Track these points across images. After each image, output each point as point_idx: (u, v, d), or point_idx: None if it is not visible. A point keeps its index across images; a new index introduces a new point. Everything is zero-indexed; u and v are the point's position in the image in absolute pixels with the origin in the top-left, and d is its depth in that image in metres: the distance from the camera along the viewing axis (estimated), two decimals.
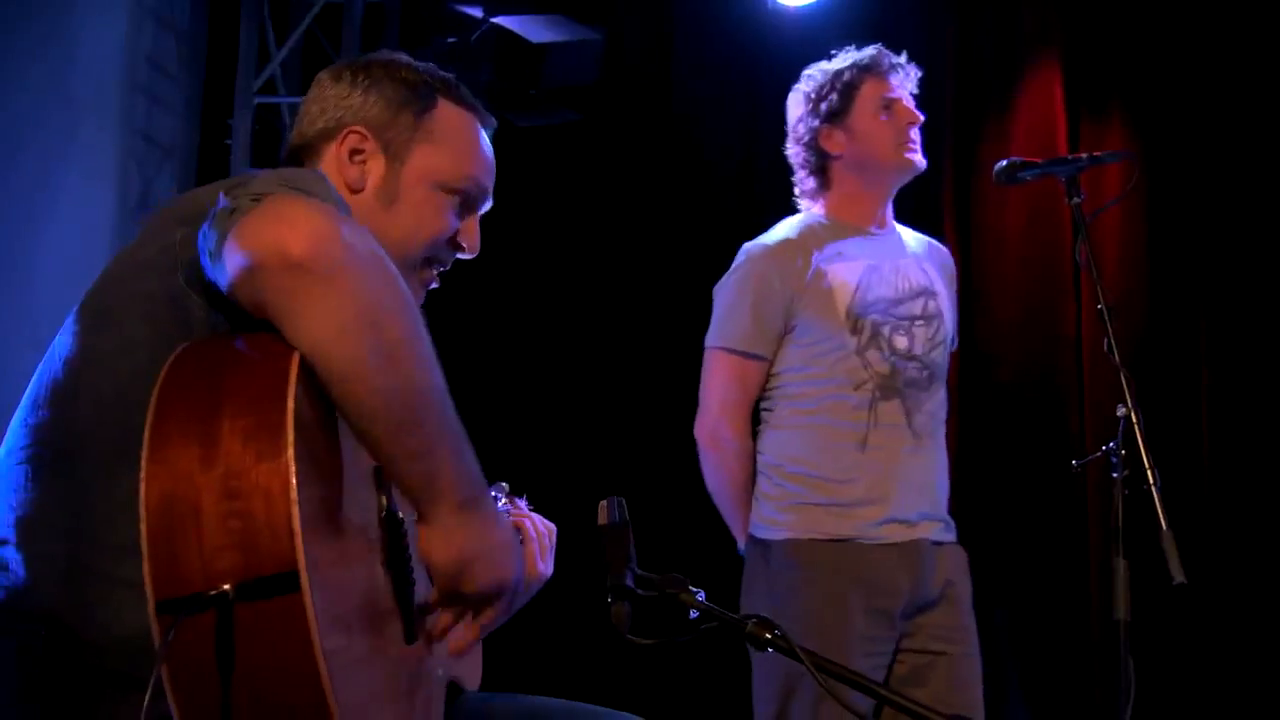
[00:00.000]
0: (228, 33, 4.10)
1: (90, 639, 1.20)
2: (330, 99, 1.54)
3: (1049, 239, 3.80)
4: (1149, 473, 2.12)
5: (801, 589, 2.50)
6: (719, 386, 2.63)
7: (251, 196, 1.21)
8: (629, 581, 1.38)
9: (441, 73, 1.60)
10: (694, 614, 1.37)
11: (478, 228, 1.59)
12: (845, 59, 2.71)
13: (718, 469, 2.65)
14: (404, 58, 1.59)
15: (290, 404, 1.13)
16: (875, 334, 2.57)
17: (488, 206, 1.61)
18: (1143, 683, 2.05)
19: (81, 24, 3.65)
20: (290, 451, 1.10)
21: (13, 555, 1.27)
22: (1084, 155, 2.47)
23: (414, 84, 1.55)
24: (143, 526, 1.09)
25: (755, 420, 2.68)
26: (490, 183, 1.60)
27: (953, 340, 2.74)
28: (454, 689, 1.54)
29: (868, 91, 2.66)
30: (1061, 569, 3.68)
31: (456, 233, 1.56)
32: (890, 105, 2.66)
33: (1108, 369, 2.23)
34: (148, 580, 1.08)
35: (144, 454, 1.11)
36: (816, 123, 2.69)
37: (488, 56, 3.79)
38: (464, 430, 1.29)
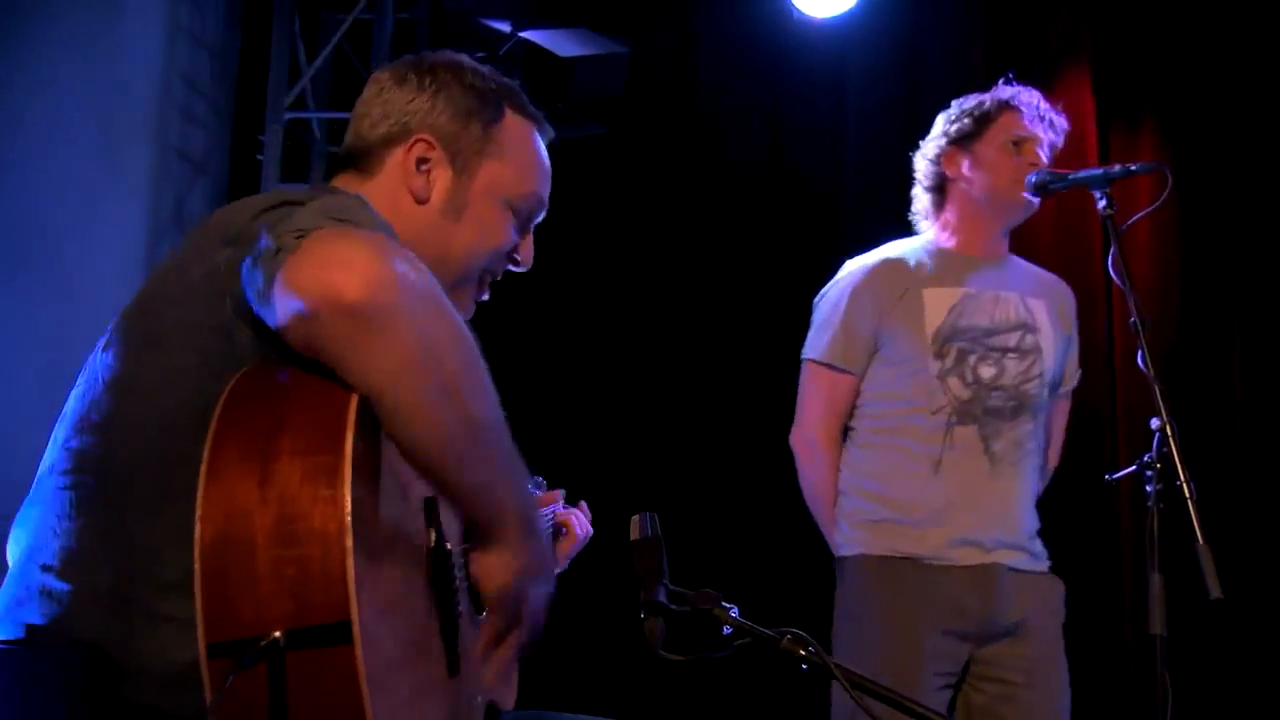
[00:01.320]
0: (259, 49, 4.14)
1: (131, 672, 1.20)
2: (394, 102, 1.50)
3: (1080, 250, 3.77)
4: (1185, 485, 2.10)
5: (871, 606, 2.54)
6: (811, 398, 2.69)
7: (296, 234, 1.18)
8: (662, 597, 1.37)
9: (505, 80, 1.56)
10: (727, 630, 1.37)
11: (532, 241, 1.58)
12: (992, 91, 2.72)
13: (811, 478, 2.69)
14: (469, 61, 1.55)
15: (349, 446, 1.11)
16: (960, 360, 2.58)
17: (542, 216, 1.60)
18: (1179, 698, 2.03)
19: (118, 42, 3.69)
20: (348, 496, 1.09)
21: (57, 584, 1.26)
22: (1116, 167, 2.46)
23: (482, 92, 1.51)
24: (196, 565, 1.08)
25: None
26: (548, 194, 1.58)
27: (1056, 376, 2.69)
28: (491, 711, 1.54)
29: (1002, 124, 2.66)
30: (1096, 583, 3.64)
31: (514, 246, 1.55)
32: (1020, 144, 2.65)
33: (1140, 381, 2.22)
34: (200, 620, 1.07)
35: (200, 489, 1.10)
36: (944, 143, 2.70)
37: (515, 71, 3.81)
38: (518, 457, 1.30)
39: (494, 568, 1.30)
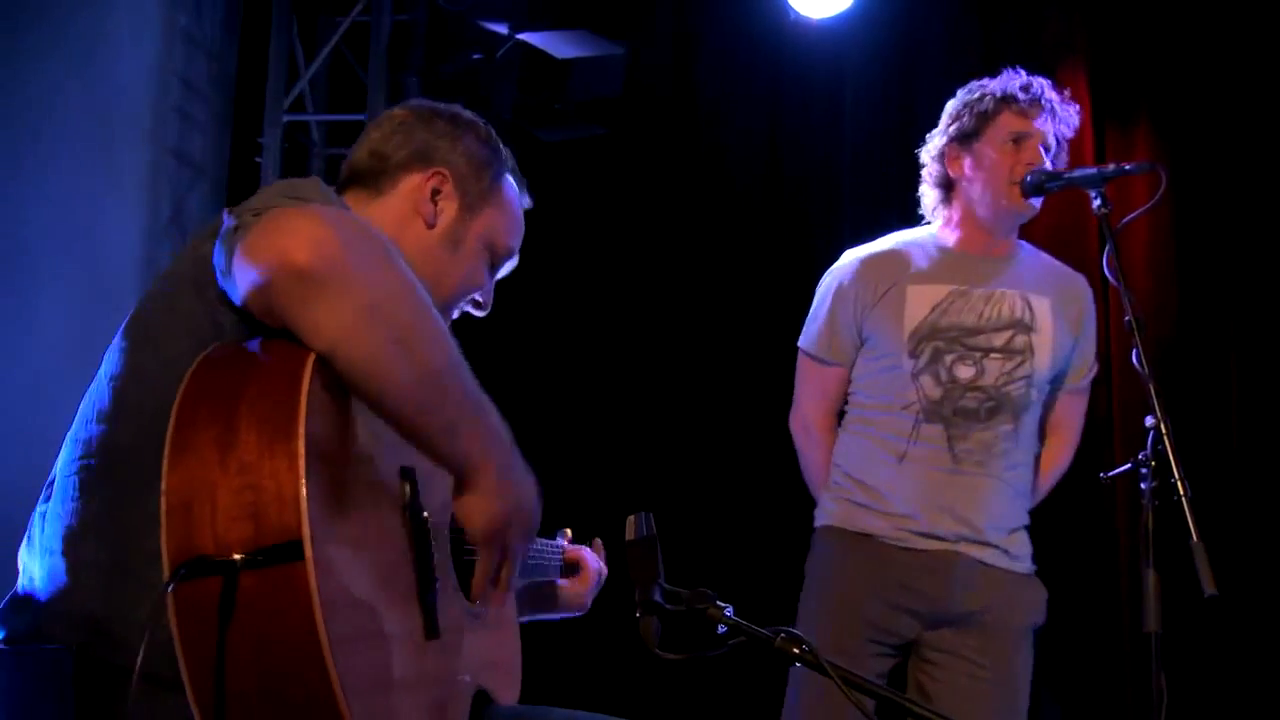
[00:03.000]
0: (257, 52, 4.15)
1: (125, 639, 1.24)
2: (419, 134, 1.63)
3: (1076, 249, 3.77)
4: (1179, 484, 2.11)
5: (823, 573, 2.65)
6: (804, 385, 2.79)
7: (253, 212, 1.28)
8: (657, 596, 1.39)
9: (504, 146, 1.72)
10: (722, 629, 1.38)
11: (493, 289, 1.73)
12: (997, 82, 2.66)
13: (806, 459, 2.80)
14: (481, 120, 1.70)
15: (304, 392, 1.17)
16: (935, 359, 2.59)
17: (507, 272, 1.74)
18: (1174, 694, 2.04)
19: (116, 45, 3.70)
20: (301, 431, 1.14)
21: (59, 564, 1.33)
22: (1110, 166, 2.47)
23: (495, 149, 1.68)
24: (162, 501, 1.14)
25: None
26: (518, 252, 1.74)
27: (1058, 372, 2.67)
28: (483, 699, 1.55)
29: (1003, 121, 2.62)
30: (1093, 580, 3.66)
31: (478, 289, 1.69)
32: (1020, 141, 2.61)
33: (1137, 379, 2.22)
34: (164, 551, 1.13)
35: (168, 438, 1.16)
36: (945, 141, 2.68)
37: (513, 72, 3.82)
38: (486, 396, 1.35)
39: (473, 508, 1.33)
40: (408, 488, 1.36)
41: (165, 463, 1.15)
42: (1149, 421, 2.17)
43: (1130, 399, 3.58)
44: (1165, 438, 2.15)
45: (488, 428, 1.34)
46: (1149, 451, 2.15)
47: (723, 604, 1.39)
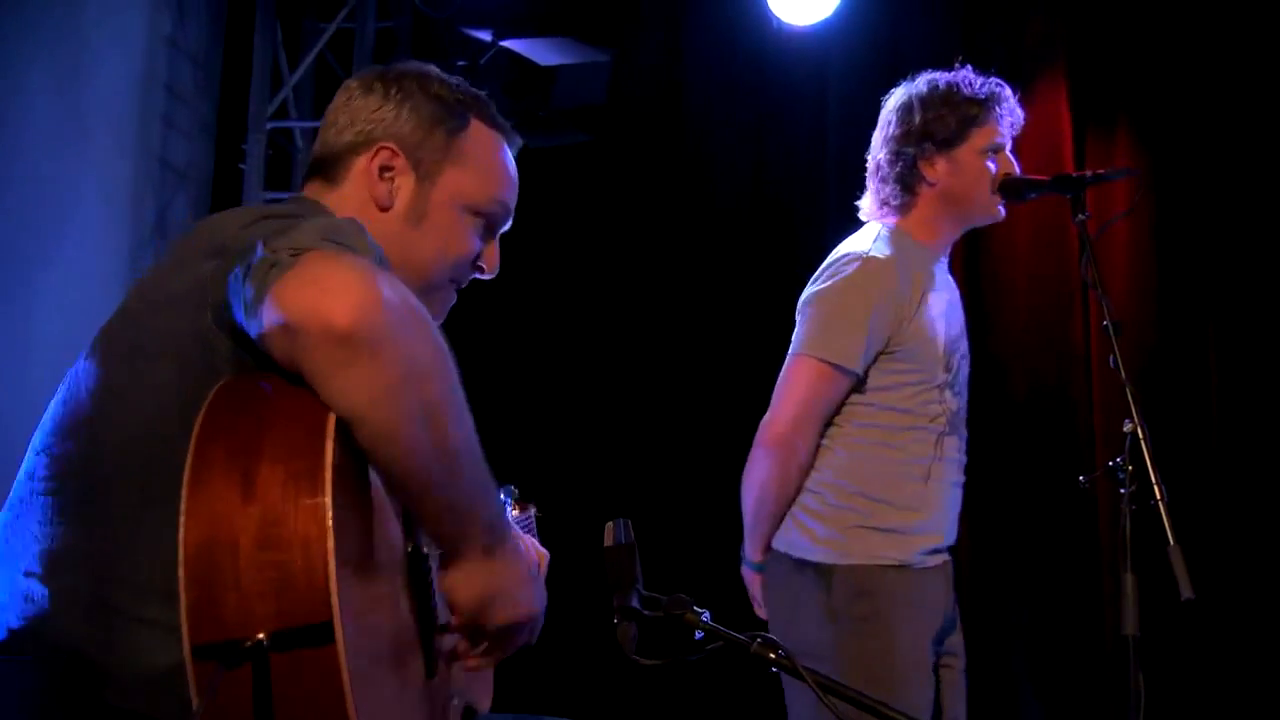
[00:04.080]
0: (241, 58, 4.15)
1: (111, 675, 1.21)
2: (360, 110, 1.52)
3: (1057, 254, 3.80)
4: (1155, 488, 2.12)
5: (882, 620, 2.42)
6: (801, 394, 2.47)
7: (291, 251, 1.20)
8: (634, 602, 1.40)
9: (473, 90, 1.58)
10: (699, 634, 1.39)
11: (498, 249, 1.60)
12: (972, 86, 2.56)
13: (772, 475, 2.48)
14: (435, 71, 1.57)
15: (329, 453, 1.14)
16: (956, 370, 2.56)
17: (508, 226, 1.62)
18: (1152, 697, 2.05)
19: (98, 51, 3.70)
20: (328, 501, 1.11)
21: (38, 588, 1.28)
22: (1088, 173, 2.48)
23: (447, 101, 1.54)
24: (180, 570, 1.10)
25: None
26: (514, 203, 1.60)
27: None
28: (469, 713, 1.56)
29: (985, 132, 2.55)
30: (1074, 583, 3.68)
31: (478, 254, 1.57)
32: (997, 151, 2.56)
33: (1117, 383, 2.23)
34: (184, 623, 1.09)
35: (184, 494, 1.12)
36: (923, 143, 2.54)
37: (497, 79, 3.83)
38: (491, 475, 1.32)
39: (458, 583, 1.32)
40: (409, 535, 1.34)
41: (183, 520, 1.10)
42: (1126, 426, 2.18)
43: (1113, 403, 3.60)
44: (1142, 442, 2.16)
45: (489, 509, 1.32)
46: (1126, 456, 2.17)
47: (700, 609, 1.39)
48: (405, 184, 1.51)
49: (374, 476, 1.26)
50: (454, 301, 1.60)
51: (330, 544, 1.10)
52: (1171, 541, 2.09)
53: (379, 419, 1.18)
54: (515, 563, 1.35)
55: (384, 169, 1.51)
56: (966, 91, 2.56)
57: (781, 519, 2.51)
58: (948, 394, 2.54)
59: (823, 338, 2.48)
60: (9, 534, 1.33)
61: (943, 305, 2.56)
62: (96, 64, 3.69)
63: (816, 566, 2.46)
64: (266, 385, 1.21)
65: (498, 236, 1.60)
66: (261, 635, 1.08)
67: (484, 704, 1.64)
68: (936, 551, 2.54)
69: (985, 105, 2.56)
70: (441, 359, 1.24)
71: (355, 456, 1.22)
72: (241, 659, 1.08)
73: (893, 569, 2.45)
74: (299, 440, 1.15)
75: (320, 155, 1.54)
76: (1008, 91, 2.61)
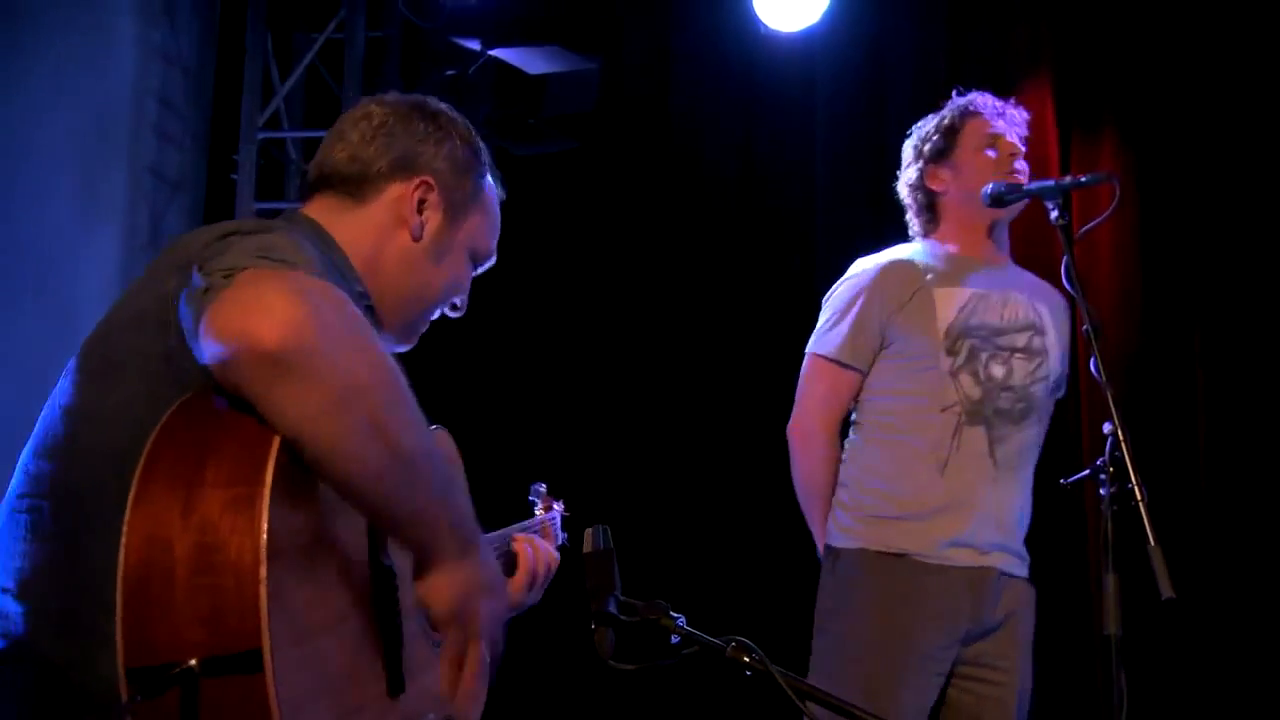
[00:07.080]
0: (233, 69, 4.17)
1: (82, 690, 1.22)
2: (401, 137, 1.56)
3: (1043, 257, 3.79)
4: (1136, 489, 2.14)
5: (864, 600, 2.56)
6: (814, 392, 2.70)
7: (224, 273, 1.20)
8: (612, 608, 1.41)
9: (481, 140, 1.65)
10: (675, 639, 1.41)
11: (469, 290, 1.67)
12: (951, 101, 2.80)
13: (805, 470, 2.70)
14: (459, 114, 1.63)
15: (269, 477, 1.14)
16: (972, 357, 2.61)
17: (481, 271, 1.70)
18: (1135, 697, 2.07)
19: (91, 64, 3.72)
20: (264, 527, 1.11)
21: (12, 605, 1.29)
22: (1067, 179, 2.53)
23: (475, 149, 1.61)
24: (118, 590, 1.11)
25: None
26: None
27: (1059, 385, 2.76)
28: None
29: (970, 130, 2.73)
30: (1061, 585, 3.69)
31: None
32: (994, 141, 2.72)
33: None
34: (119, 645, 1.10)
35: (126, 514, 1.13)
36: (923, 164, 2.76)
37: (487, 88, 3.85)
38: (452, 476, 1.32)
39: (434, 590, 1.31)
40: (374, 549, 1.33)
41: (123, 540, 1.11)
42: (1107, 428, 2.20)
43: (1097, 404, 3.62)
44: (1123, 444, 2.18)
45: (454, 513, 1.31)
46: (1107, 458, 2.19)
47: (676, 614, 1.41)
48: (434, 219, 1.56)
49: (332, 495, 1.25)
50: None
51: (263, 571, 1.10)
52: (1152, 542, 2.10)
53: (319, 436, 1.17)
54: (488, 563, 1.36)
55: (421, 201, 1.55)
56: (947, 107, 2.78)
57: (825, 511, 2.67)
58: (965, 380, 2.58)
59: (821, 335, 2.71)
60: None
61: (965, 297, 2.64)
62: (88, 76, 3.72)
63: (835, 551, 2.63)
64: (220, 403, 1.21)
65: (471, 278, 1.68)
66: (193, 661, 1.08)
67: (473, 716, 1.64)
68: (964, 549, 2.56)
69: (964, 109, 2.75)
70: (381, 368, 1.23)
71: (307, 477, 1.21)
72: (168, 684, 1.08)
73: (894, 557, 2.54)
74: (242, 463, 1.15)
75: (342, 171, 1.55)
76: (988, 97, 2.78)
